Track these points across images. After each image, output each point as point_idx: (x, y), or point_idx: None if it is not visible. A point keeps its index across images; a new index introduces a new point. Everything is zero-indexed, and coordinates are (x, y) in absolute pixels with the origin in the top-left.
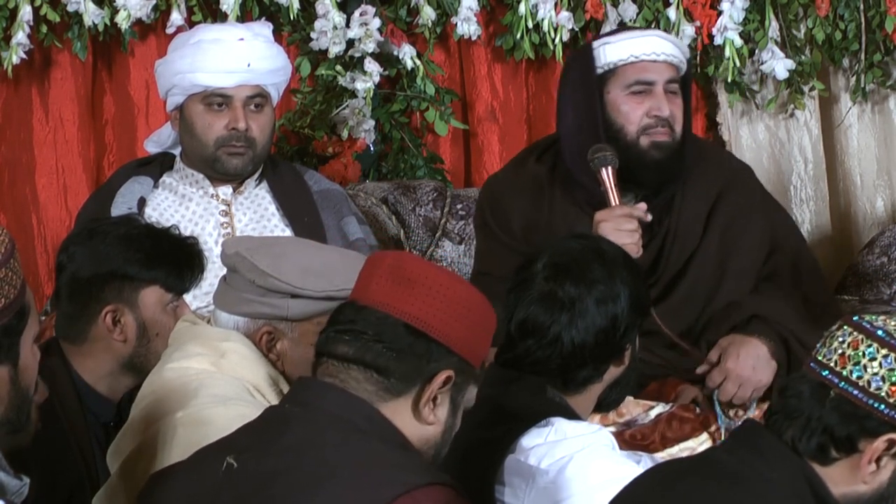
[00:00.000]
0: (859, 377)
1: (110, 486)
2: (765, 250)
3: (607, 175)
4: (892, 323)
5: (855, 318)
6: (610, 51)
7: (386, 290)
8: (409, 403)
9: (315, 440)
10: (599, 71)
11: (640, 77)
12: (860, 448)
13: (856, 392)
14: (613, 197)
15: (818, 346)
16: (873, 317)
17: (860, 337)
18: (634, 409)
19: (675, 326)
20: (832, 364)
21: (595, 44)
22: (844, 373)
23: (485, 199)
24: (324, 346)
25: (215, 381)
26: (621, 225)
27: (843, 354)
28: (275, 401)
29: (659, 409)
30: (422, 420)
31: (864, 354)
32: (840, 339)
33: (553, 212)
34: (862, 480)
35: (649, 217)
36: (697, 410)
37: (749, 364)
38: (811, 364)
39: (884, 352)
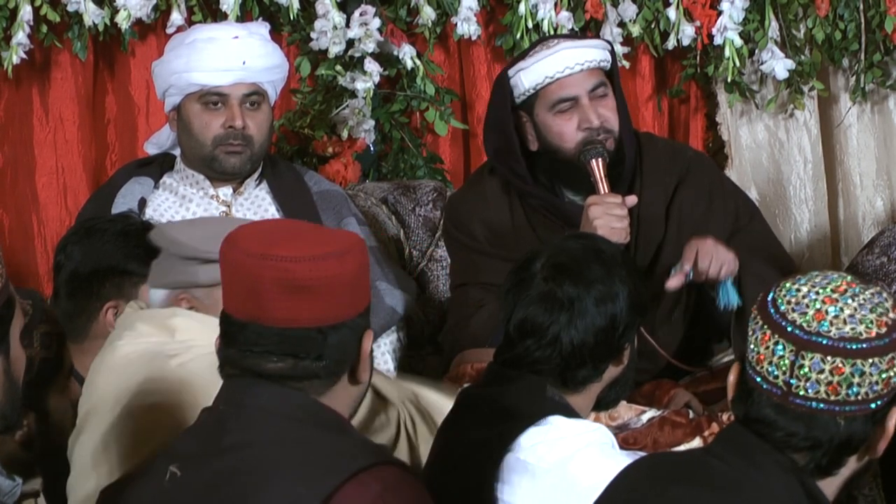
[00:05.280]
0: (857, 392)
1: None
2: (727, 233)
3: (597, 166)
4: (863, 327)
5: (821, 340)
6: (525, 77)
7: (286, 306)
8: (345, 380)
9: (255, 438)
10: (522, 98)
11: (562, 95)
12: (885, 426)
13: (859, 406)
14: (603, 186)
15: (788, 379)
16: (830, 327)
17: (838, 362)
18: (627, 413)
19: (650, 321)
20: (822, 395)
21: (510, 72)
22: (840, 397)
23: (447, 219)
24: (241, 363)
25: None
26: (611, 210)
27: (830, 383)
28: None
29: (651, 413)
30: (357, 383)
31: (853, 374)
32: (817, 369)
33: (515, 218)
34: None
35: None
36: (690, 415)
37: (709, 241)
38: (796, 401)
39: (870, 361)
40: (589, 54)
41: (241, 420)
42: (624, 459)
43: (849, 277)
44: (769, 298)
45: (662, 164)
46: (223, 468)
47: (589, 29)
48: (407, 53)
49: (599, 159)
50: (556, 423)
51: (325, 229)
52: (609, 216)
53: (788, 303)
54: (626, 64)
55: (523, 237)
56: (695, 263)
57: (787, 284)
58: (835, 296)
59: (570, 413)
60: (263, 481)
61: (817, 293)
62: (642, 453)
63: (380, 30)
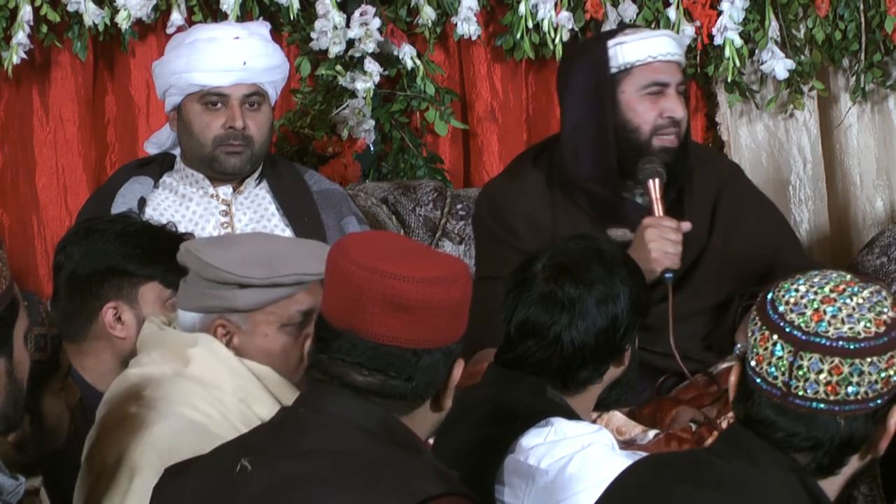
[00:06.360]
0: (856, 392)
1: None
2: (765, 247)
3: (654, 186)
4: (861, 326)
5: (820, 340)
6: (627, 51)
7: (386, 323)
8: (427, 405)
9: (331, 446)
10: (614, 70)
11: (657, 78)
12: (886, 425)
13: (859, 406)
14: (659, 207)
15: (787, 380)
16: (828, 327)
17: (837, 361)
18: (633, 429)
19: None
20: (821, 395)
21: (610, 43)
22: (840, 397)
23: (484, 207)
24: (330, 370)
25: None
26: (667, 234)
27: (829, 383)
28: (268, 404)
29: (656, 430)
30: (439, 410)
31: (851, 374)
32: (816, 370)
33: (556, 215)
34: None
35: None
36: (693, 428)
37: None
38: (795, 401)
39: (869, 360)
40: (680, 49)
41: (318, 426)
42: (624, 461)
43: (848, 277)
44: (768, 299)
45: (707, 173)
46: (293, 471)
47: (589, 29)
48: (407, 53)
49: (657, 179)
50: (556, 424)
51: (437, 252)
52: (664, 240)
53: (787, 303)
54: None
55: (562, 235)
56: None
57: (786, 285)
58: (833, 296)
59: (571, 415)
60: (331, 492)
61: (815, 293)
62: (642, 453)
63: (380, 30)
